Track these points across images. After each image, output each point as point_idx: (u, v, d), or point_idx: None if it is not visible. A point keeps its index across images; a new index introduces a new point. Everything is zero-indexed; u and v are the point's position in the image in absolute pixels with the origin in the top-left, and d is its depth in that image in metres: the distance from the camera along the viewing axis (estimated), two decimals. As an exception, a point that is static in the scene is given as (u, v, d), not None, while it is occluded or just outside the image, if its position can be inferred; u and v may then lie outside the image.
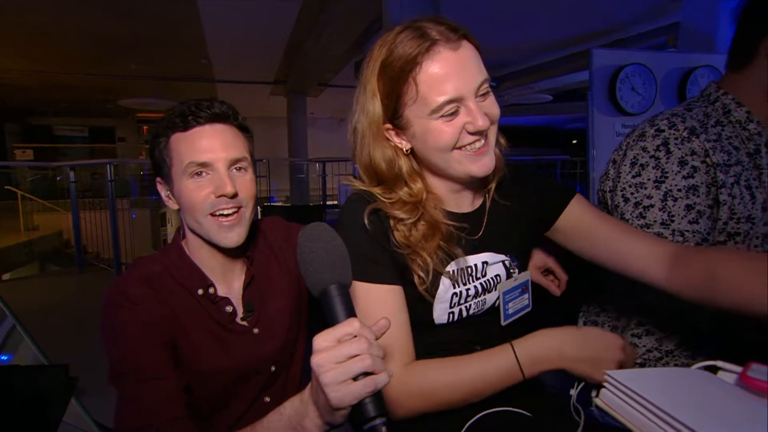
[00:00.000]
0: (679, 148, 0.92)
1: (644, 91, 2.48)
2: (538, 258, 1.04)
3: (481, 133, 0.74)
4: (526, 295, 0.92)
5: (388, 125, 0.78)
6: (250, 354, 0.87)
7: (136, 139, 13.33)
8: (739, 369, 0.57)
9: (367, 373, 0.52)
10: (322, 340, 0.53)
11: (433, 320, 0.81)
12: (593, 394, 0.64)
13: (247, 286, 0.91)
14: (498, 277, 0.86)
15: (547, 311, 0.98)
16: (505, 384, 0.73)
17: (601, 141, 2.47)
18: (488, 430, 0.75)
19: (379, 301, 0.75)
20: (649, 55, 2.56)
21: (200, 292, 0.85)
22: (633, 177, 0.96)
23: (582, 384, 0.72)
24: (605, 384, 0.56)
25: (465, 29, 0.74)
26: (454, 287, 0.80)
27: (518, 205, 0.90)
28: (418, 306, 0.79)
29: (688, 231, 0.90)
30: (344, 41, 5.65)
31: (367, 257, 0.76)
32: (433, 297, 0.79)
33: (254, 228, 0.90)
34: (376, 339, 0.55)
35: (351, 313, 0.55)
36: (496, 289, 0.86)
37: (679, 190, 0.91)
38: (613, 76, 2.43)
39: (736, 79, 0.99)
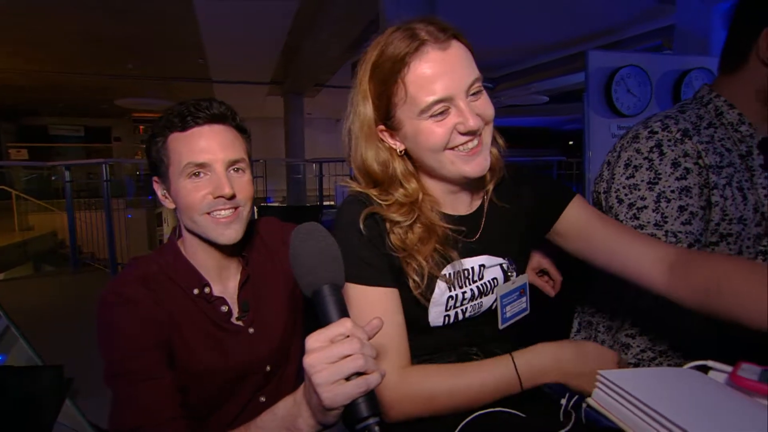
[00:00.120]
0: (673, 150, 0.93)
1: (639, 93, 2.50)
2: (533, 259, 1.04)
3: (473, 134, 0.73)
4: (524, 299, 0.91)
5: (382, 126, 0.78)
6: (245, 354, 0.87)
7: (132, 139, 13.27)
8: (729, 369, 0.58)
9: (359, 373, 0.52)
10: (314, 341, 0.53)
11: (428, 323, 0.81)
12: (584, 406, 0.65)
13: (242, 286, 0.91)
14: (495, 281, 0.86)
15: (542, 312, 0.99)
16: (503, 394, 0.74)
17: (597, 142, 2.49)
18: (482, 430, 0.75)
19: (375, 304, 0.75)
20: (644, 57, 2.58)
21: (196, 291, 0.85)
22: (627, 178, 0.97)
23: (576, 397, 0.74)
24: (597, 384, 0.56)
25: (455, 29, 0.73)
26: (450, 290, 0.80)
27: (517, 207, 0.89)
28: (414, 309, 0.79)
29: (681, 232, 0.91)
30: (341, 42, 5.64)
31: (362, 260, 0.76)
32: (429, 300, 0.79)
33: (250, 228, 0.90)
34: (369, 339, 0.55)
35: (344, 313, 0.55)
36: (493, 293, 0.85)
37: (672, 192, 0.92)
38: (609, 77, 2.45)
39: (728, 82, 1.00)
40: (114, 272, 4.79)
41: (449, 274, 0.80)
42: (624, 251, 0.82)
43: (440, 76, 0.70)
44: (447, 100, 0.71)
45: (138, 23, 5.80)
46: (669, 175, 0.92)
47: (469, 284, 0.82)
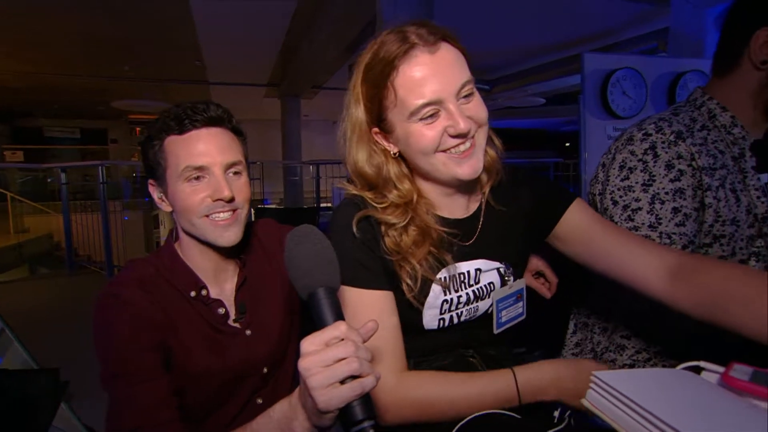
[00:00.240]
0: (666, 152, 0.94)
1: (635, 95, 2.52)
2: (529, 261, 1.05)
3: (464, 136, 0.72)
4: (520, 304, 0.90)
5: (376, 129, 0.78)
6: (242, 355, 0.87)
7: (128, 141, 13.24)
8: (721, 369, 0.59)
9: (354, 376, 0.52)
10: (309, 344, 0.53)
11: (422, 326, 0.81)
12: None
13: (239, 288, 0.91)
14: (492, 285, 0.85)
15: (537, 313, 0.99)
16: (501, 406, 0.74)
17: (593, 144, 2.50)
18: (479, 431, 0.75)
19: (370, 307, 0.75)
20: (639, 59, 2.60)
21: (193, 293, 0.85)
22: (621, 180, 0.98)
23: (569, 411, 0.75)
24: (591, 385, 0.57)
25: (446, 31, 0.73)
26: (445, 294, 0.80)
27: (515, 211, 0.87)
28: (408, 312, 0.79)
29: (675, 233, 0.92)
30: (339, 43, 5.65)
31: (357, 262, 0.76)
32: (423, 304, 0.78)
33: (247, 230, 0.90)
34: (364, 342, 0.55)
35: (339, 316, 0.55)
36: (489, 297, 0.85)
37: (666, 193, 0.93)
38: (605, 80, 2.46)
39: (720, 85, 1.01)
40: (110, 275, 4.76)
41: (444, 277, 0.79)
42: (624, 257, 0.80)
43: (429, 79, 0.70)
44: (436, 103, 0.71)
45: (135, 25, 5.80)
46: (663, 177, 0.93)
47: (465, 288, 0.82)
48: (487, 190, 0.86)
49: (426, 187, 0.82)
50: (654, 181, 0.93)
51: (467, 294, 0.82)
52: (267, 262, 0.96)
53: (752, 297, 0.67)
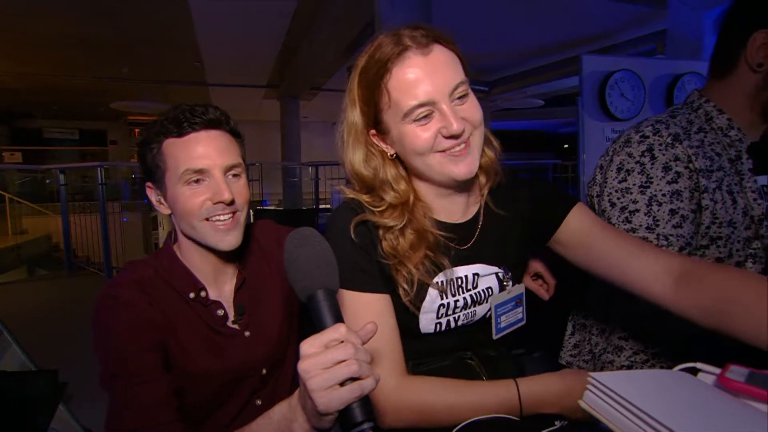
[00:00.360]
0: (664, 154, 0.94)
1: (633, 97, 2.53)
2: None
3: (458, 137, 0.72)
4: (520, 309, 0.90)
5: (373, 131, 0.79)
6: (241, 357, 0.87)
7: (127, 142, 13.22)
8: (717, 370, 0.59)
9: (354, 378, 0.52)
10: (308, 346, 0.53)
11: (419, 330, 0.80)
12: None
13: (238, 289, 0.91)
14: (490, 290, 0.84)
15: (536, 315, 0.99)
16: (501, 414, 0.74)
17: (592, 145, 2.51)
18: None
19: (369, 309, 0.75)
20: (637, 61, 2.62)
21: (192, 295, 0.86)
22: (619, 182, 0.98)
23: (566, 422, 0.75)
24: (588, 386, 0.57)
25: (440, 33, 0.73)
26: (442, 298, 0.80)
27: (514, 215, 0.87)
28: (404, 315, 0.79)
29: (672, 235, 0.92)
30: (338, 44, 5.66)
31: (355, 266, 0.76)
32: (419, 308, 0.78)
33: (246, 231, 0.91)
34: (363, 344, 0.55)
35: (338, 318, 0.56)
36: (487, 302, 0.84)
37: (664, 195, 0.93)
38: (603, 81, 2.47)
39: (717, 87, 1.01)
40: (109, 276, 4.76)
41: (441, 282, 0.79)
42: (626, 262, 0.79)
43: (422, 80, 0.71)
44: (429, 104, 0.71)
45: (134, 26, 5.80)
46: (660, 179, 0.93)
47: (462, 293, 0.82)
48: (485, 192, 0.86)
49: (423, 189, 0.82)
50: (651, 183, 0.94)
51: (464, 298, 0.82)
52: (266, 264, 0.97)
53: (756, 307, 0.66)
